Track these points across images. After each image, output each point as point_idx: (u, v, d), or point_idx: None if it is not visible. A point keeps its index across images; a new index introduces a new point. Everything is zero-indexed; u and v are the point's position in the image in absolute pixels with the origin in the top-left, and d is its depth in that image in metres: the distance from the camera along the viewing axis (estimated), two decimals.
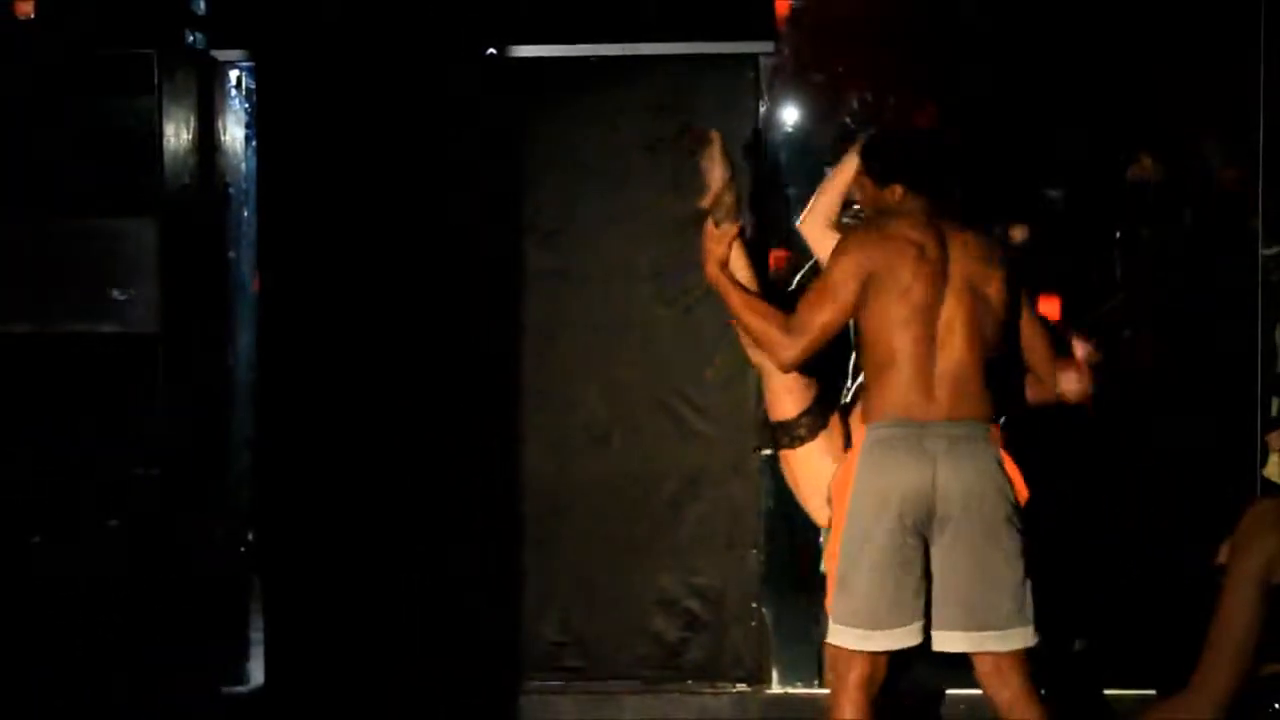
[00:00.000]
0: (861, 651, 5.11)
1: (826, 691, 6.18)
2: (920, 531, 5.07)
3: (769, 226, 7.06)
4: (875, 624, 5.08)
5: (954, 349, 5.15)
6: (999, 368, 5.25)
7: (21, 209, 6.60)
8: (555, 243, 6.95)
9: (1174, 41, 7.20)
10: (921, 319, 5.14)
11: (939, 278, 5.18)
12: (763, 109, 7.03)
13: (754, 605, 6.99)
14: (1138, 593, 6.92)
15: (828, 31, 7.30)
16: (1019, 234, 7.89)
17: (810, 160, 7.39)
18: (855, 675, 5.13)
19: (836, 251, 5.28)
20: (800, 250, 7.65)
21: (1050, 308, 7.64)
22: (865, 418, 5.20)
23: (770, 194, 7.14)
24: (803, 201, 7.55)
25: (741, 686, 6.99)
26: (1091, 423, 7.00)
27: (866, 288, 5.15)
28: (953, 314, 5.17)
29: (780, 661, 7.07)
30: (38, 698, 6.57)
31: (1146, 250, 7.45)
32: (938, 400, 5.12)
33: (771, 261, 7.66)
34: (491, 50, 6.86)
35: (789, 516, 7.13)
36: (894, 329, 5.13)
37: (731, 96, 6.94)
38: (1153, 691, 6.17)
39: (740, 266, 5.38)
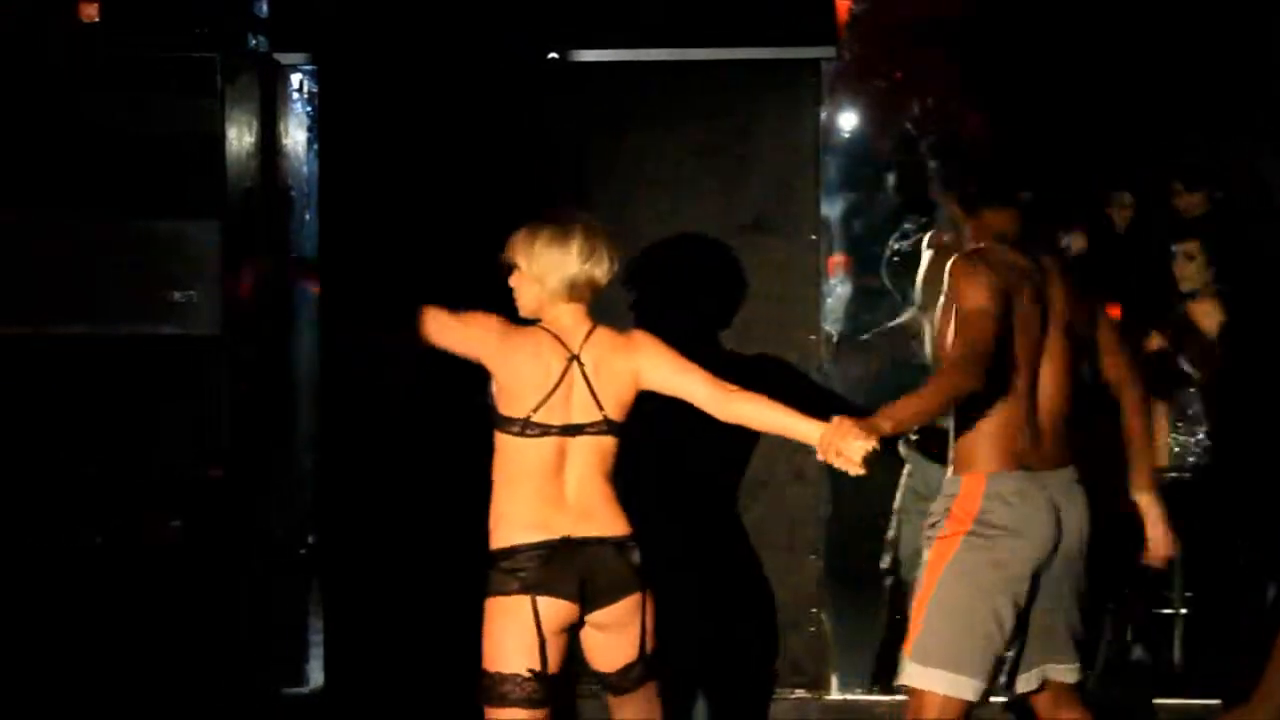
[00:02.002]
0: (960, 699, 4.98)
1: (885, 699, 6.20)
2: (1035, 577, 5.01)
3: (829, 232, 7.04)
4: (981, 673, 4.98)
5: (1055, 388, 5.04)
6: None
7: (84, 211, 6.60)
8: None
9: (1237, 48, 7.17)
10: (1032, 355, 5.02)
11: (1043, 310, 5.05)
12: (823, 115, 7.01)
13: (813, 610, 6.97)
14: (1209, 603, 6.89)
15: (889, 36, 7.30)
16: (1079, 242, 7.88)
17: (871, 166, 7.39)
18: None
19: (966, 274, 4.98)
20: (857, 256, 7.70)
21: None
22: (977, 462, 5.01)
23: (830, 200, 7.12)
24: (862, 207, 7.61)
25: (801, 692, 6.97)
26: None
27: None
28: (1053, 350, 5.05)
29: (839, 667, 7.05)
30: (99, 698, 6.60)
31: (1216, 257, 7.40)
32: (1046, 445, 5.03)
33: (830, 267, 7.67)
34: (553, 54, 6.86)
35: (848, 522, 7.16)
36: (1014, 366, 4.97)
37: (792, 102, 6.92)
38: (1218, 701, 6.17)
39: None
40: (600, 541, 5.00)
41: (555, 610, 4.99)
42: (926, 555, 5.05)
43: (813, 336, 6.97)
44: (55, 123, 6.61)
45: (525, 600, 5.00)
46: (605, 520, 5.02)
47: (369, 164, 6.96)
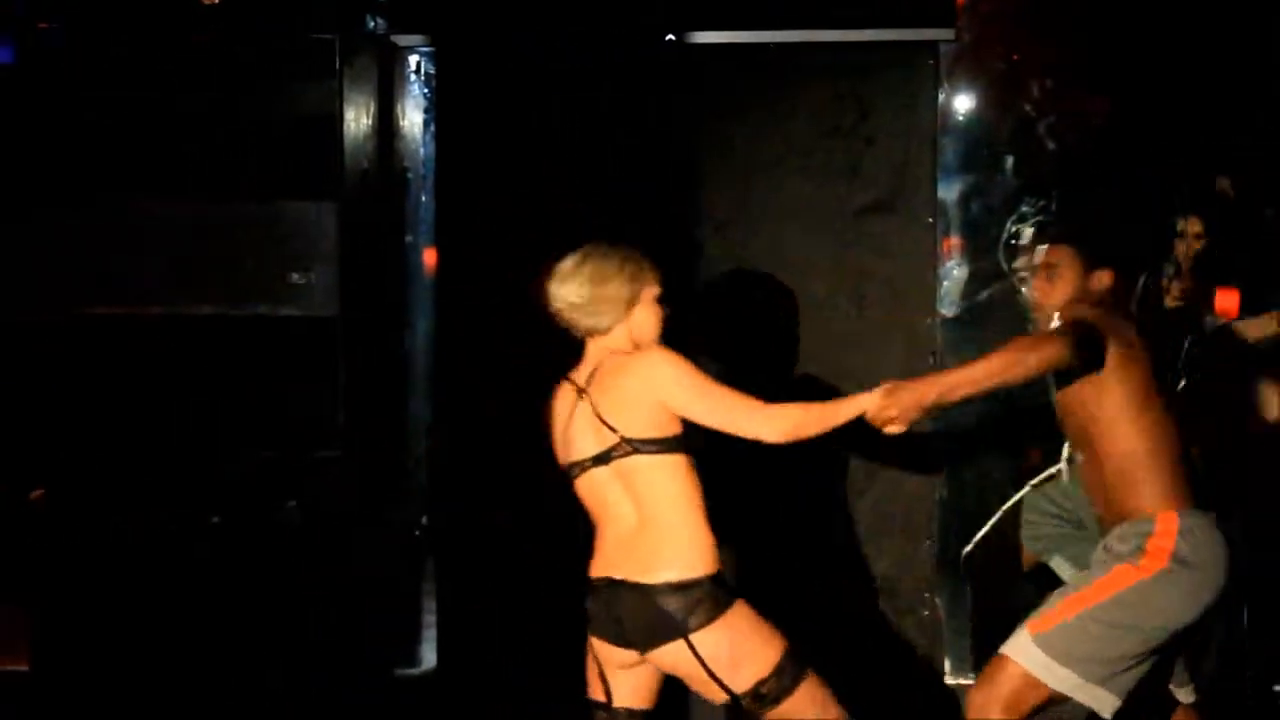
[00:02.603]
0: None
1: None
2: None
3: (945, 215, 7.01)
4: (1118, 690, 5.05)
5: (1181, 432, 5.20)
6: None
7: (205, 193, 6.63)
8: (728, 232, 6.95)
9: None
10: (1165, 398, 5.19)
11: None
12: (941, 97, 6.97)
13: (927, 595, 6.93)
14: None
15: (1007, 18, 7.23)
16: (1195, 226, 7.81)
17: (988, 148, 7.34)
18: None
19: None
20: (974, 239, 7.64)
21: (1229, 301, 7.56)
22: (1167, 500, 5.09)
23: (947, 182, 7.08)
24: (979, 190, 7.55)
25: (916, 675, 6.95)
26: None
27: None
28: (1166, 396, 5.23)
29: (952, 651, 7.02)
30: (216, 678, 6.66)
31: None
32: (1201, 486, 5.18)
33: (947, 250, 7.62)
34: (670, 36, 6.84)
35: (963, 507, 7.12)
36: (1166, 407, 5.14)
37: (910, 85, 6.89)
38: None
39: None
40: (629, 586, 4.88)
41: (606, 650, 4.97)
42: (1102, 572, 5.08)
43: (928, 320, 6.95)
44: (178, 107, 6.65)
45: (590, 636, 4.98)
46: (640, 562, 4.86)
47: (485, 146, 6.97)
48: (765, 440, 4.86)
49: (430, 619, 7.22)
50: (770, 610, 6.75)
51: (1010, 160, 7.23)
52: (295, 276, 6.65)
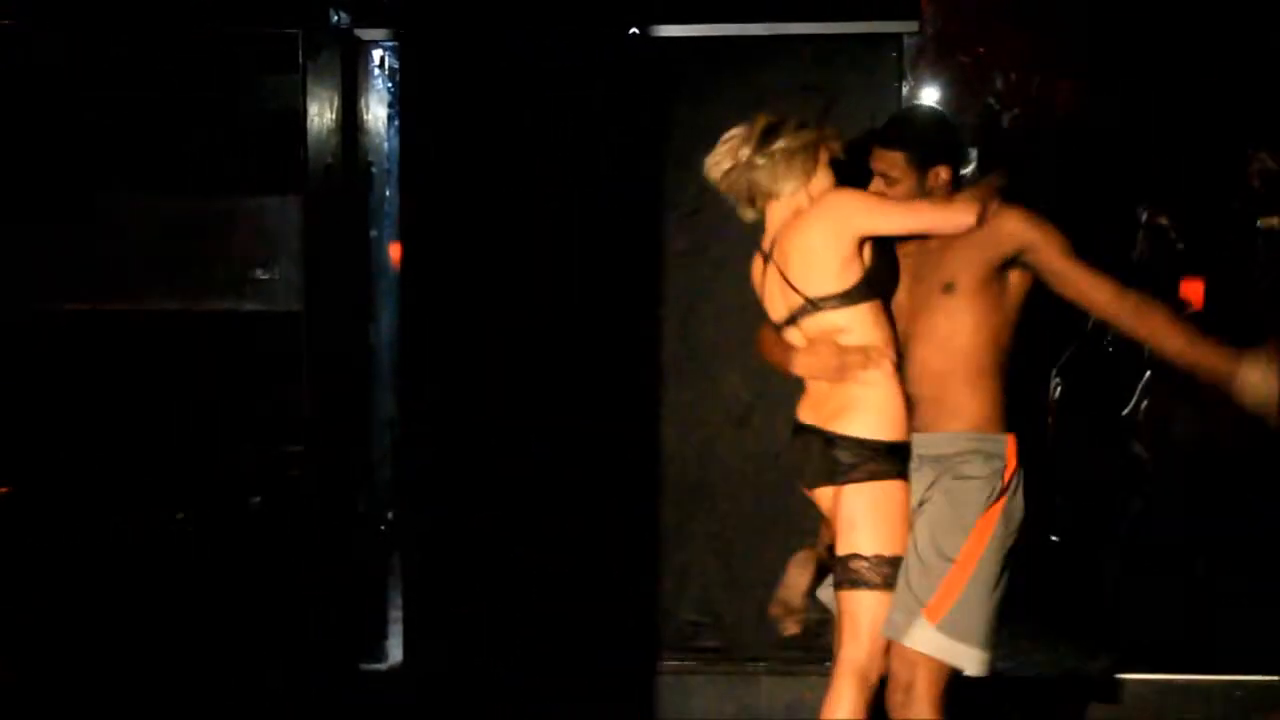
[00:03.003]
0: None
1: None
2: None
3: None
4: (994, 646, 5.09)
5: None
6: None
7: (170, 190, 6.60)
8: (696, 222, 6.92)
9: None
10: None
11: None
12: (905, 89, 6.97)
13: None
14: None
15: (971, 10, 7.24)
16: (1161, 217, 7.83)
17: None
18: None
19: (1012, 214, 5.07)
20: None
21: (1193, 292, 7.58)
22: (1003, 421, 5.09)
23: None
24: None
25: None
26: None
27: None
28: None
29: None
30: (181, 673, 6.64)
31: None
32: None
33: None
34: (634, 29, 6.83)
35: None
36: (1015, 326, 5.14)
37: (875, 76, 6.86)
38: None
39: None
40: (816, 431, 5.05)
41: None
42: (970, 524, 5.02)
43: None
44: (141, 103, 6.62)
45: None
46: (830, 413, 5.03)
47: (450, 139, 6.93)
48: (966, 228, 4.94)
49: (396, 614, 7.18)
50: (730, 600, 6.86)
51: (974, 152, 7.26)
52: (260, 272, 6.62)
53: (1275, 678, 6.35)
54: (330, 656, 6.87)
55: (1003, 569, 5.02)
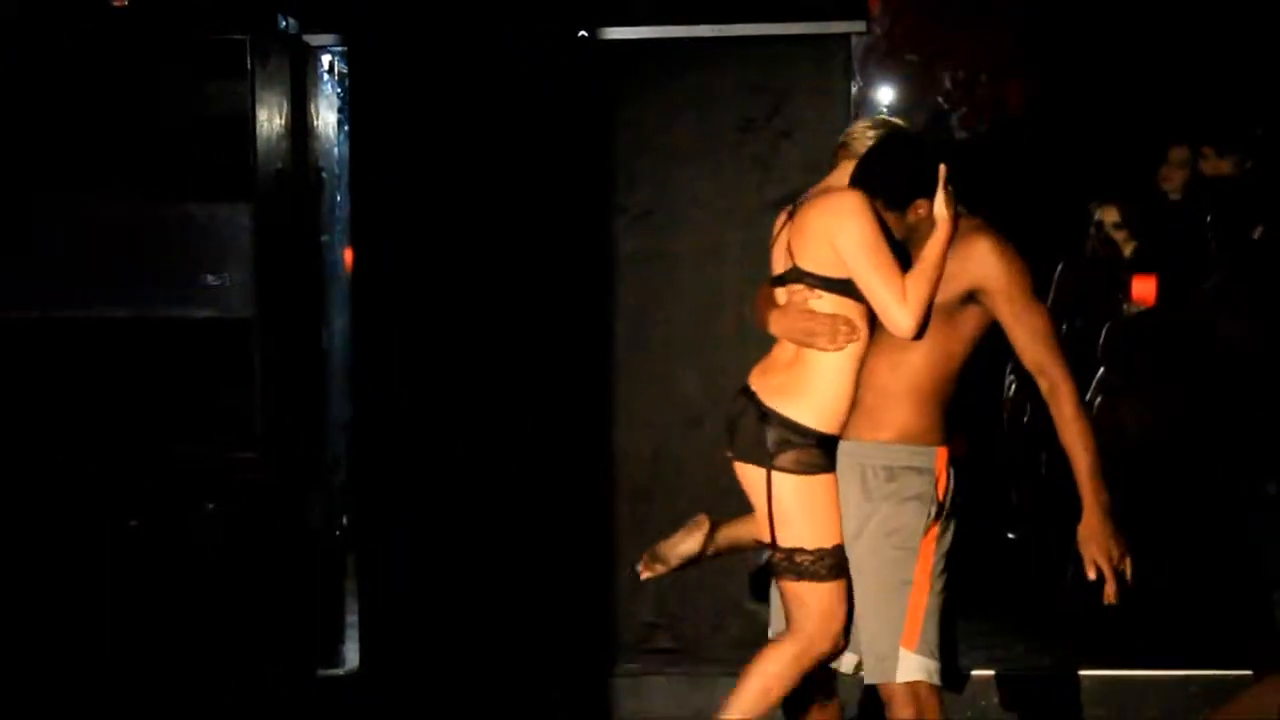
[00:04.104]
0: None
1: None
2: None
3: None
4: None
5: None
6: None
7: (116, 195, 6.57)
8: (647, 224, 6.95)
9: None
10: None
11: None
12: (854, 89, 6.98)
13: None
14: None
15: (919, 10, 7.26)
16: (1111, 215, 7.87)
17: None
18: None
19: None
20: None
21: (1146, 289, 7.62)
22: (936, 433, 5.02)
23: None
24: None
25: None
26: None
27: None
28: None
29: None
30: (134, 680, 6.63)
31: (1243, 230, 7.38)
32: None
33: None
34: (583, 32, 6.83)
35: None
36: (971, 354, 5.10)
37: (823, 77, 6.87)
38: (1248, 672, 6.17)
39: None
40: (756, 400, 5.03)
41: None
42: (916, 546, 4.98)
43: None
44: (85, 107, 6.59)
45: None
46: (777, 388, 5.01)
47: (400, 144, 6.92)
48: (899, 333, 4.86)
49: (353, 618, 7.18)
50: (686, 601, 6.85)
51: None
52: (210, 278, 6.60)
53: (1228, 672, 6.36)
54: (286, 662, 6.82)
55: (947, 573, 5.02)
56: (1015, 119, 7.62)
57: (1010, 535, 8.54)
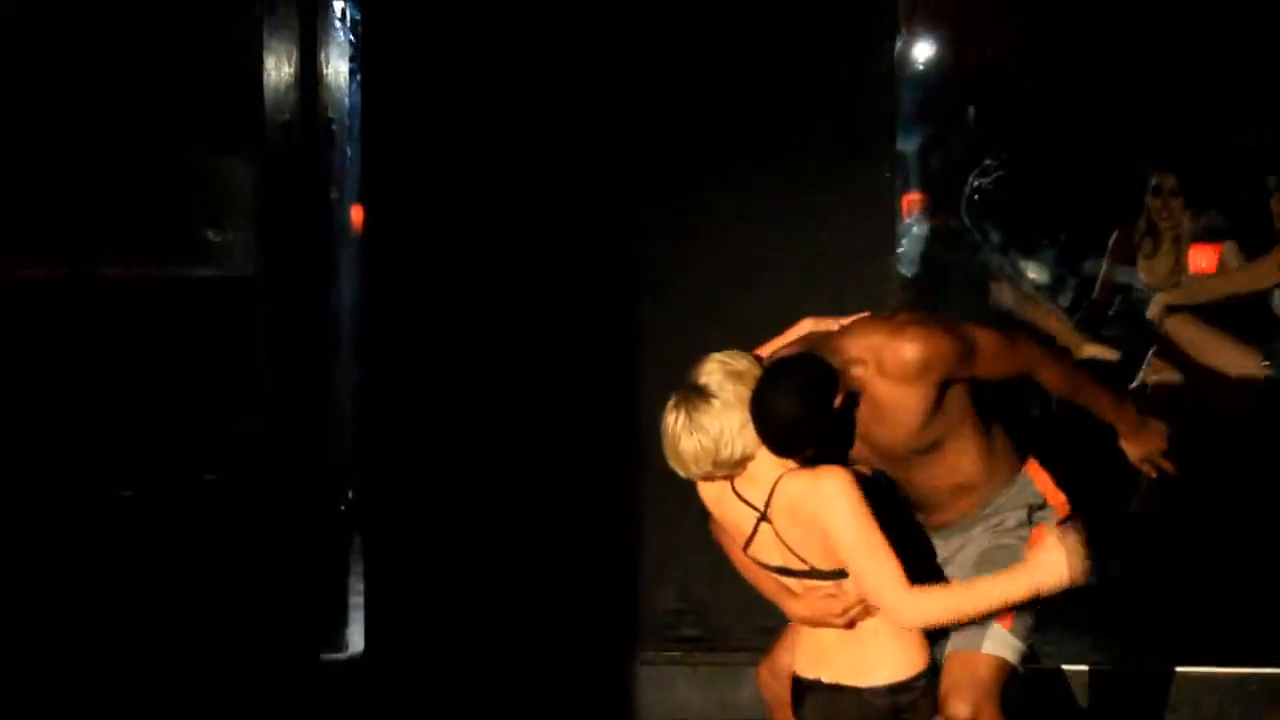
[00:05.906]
0: None
1: None
2: None
3: (904, 168, 6.77)
4: None
5: None
6: None
7: (116, 144, 6.49)
8: (673, 192, 6.71)
9: None
10: None
11: None
12: (899, 44, 6.73)
13: None
14: None
15: None
16: (1170, 181, 7.69)
17: (947, 98, 7.14)
18: None
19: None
20: (935, 194, 7.44)
21: (1207, 258, 7.42)
22: (1013, 458, 5.00)
23: (906, 134, 6.85)
24: (938, 141, 7.36)
25: None
26: None
27: None
28: None
29: None
30: (129, 659, 6.48)
31: None
32: None
33: (905, 206, 7.40)
34: None
35: None
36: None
37: (865, 30, 6.62)
38: None
39: None
40: (831, 689, 4.64)
41: None
42: (1018, 551, 4.89)
43: (885, 279, 6.70)
44: (91, 52, 6.50)
45: None
46: (849, 664, 4.61)
47: (414, 96, 6.75)
48: (899, 620, 4.55)
49: (358, 600, 7.02)
50: (711, 588, 6.59)
51: (972, 110, 7.11)
52: (212, 234, 6.56)
53: None
54: (289, 645, 6.71)
55: None
56: (1070, 76, 7.44)
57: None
